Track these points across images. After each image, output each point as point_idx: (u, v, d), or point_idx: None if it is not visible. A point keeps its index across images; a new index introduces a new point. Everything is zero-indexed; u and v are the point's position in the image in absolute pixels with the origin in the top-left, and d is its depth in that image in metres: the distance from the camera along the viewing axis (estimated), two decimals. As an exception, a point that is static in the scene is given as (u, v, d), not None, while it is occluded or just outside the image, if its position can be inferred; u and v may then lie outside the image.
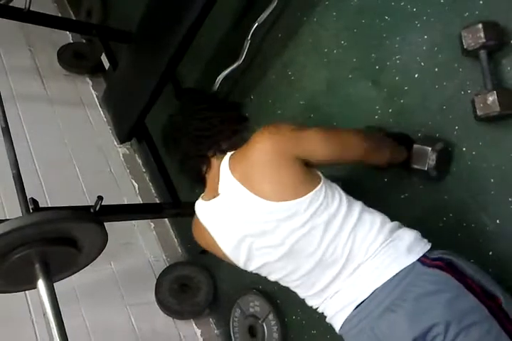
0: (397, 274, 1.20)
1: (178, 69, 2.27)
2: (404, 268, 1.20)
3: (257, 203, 1.23)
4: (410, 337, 1.14)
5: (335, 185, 1.31)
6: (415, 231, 1.30)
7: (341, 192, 1.30)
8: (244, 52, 2.17)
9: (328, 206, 1.24)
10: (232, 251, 1.35)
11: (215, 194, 1.34)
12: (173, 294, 2.59)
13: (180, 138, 1.44)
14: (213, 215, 1.36)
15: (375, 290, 1.21)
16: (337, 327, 1.31)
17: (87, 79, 3.32)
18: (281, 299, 2.32)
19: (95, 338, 2.30)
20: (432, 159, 1.56)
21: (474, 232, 1.58)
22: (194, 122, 1.42)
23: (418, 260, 1.22)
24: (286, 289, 2.24)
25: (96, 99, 3.24)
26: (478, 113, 1.45)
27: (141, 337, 2.43)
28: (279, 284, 2.25)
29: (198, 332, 2.63)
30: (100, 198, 1.74)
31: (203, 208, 1.40)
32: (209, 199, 1.36)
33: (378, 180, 1.80)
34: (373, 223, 1.27)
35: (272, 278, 1.41)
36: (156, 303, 2.56)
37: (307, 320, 2.19)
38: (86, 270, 1.90)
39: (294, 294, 2.20)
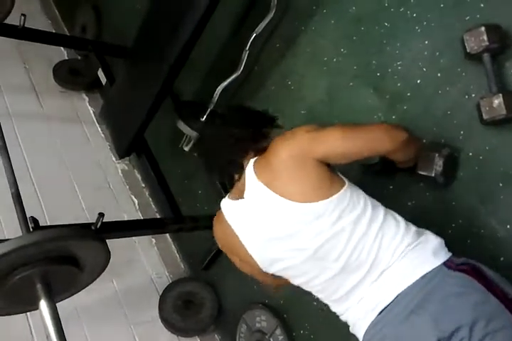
0: (422, 277, 1.20)
1: (176, 82, 2.25)
2: (430, 271, 1.20)
3: (283, 205, 1.24)
4: (435, 338, 1.12)
5: (359, 189, 1.32)
6: (439, 237, 1.31)
7: (365, 195, 1.31)
8: (243, 63, 2.15)
9: (354, 208, 1.25)
10: (258, 251, 1.35)
11: (241, 195, 1.35)
12: (177, 311, 2.55)
13: (219, 145, 1.44)
14: (240, 215, 1.37)
15: (399, 294, 1.21)
16: (360, 335, 1.30)
17: (84, 96, 3.31)
18: (288, 313, 2.28)
19: (99, 360, 2.26)
20: (438, 165, 1.54)
21: (484, 238, 1.55)
22: (233, 132, 1.42)
23: (443, 264, 1.22)
24: (293, 302, 2.22)
25: (93, 115, 3.23)
26: (484, 116, 1.44)
27: (146, 357, 2.39)
28: (286, 298, 2.23)
29: (204, 348, 2.59)
30: (101, 215, 1.71)
31: (229, 206, 1.40)
32: (236, 199, 1.37)
33: (384, 188, 1.78)
34: (398, 226, 1.27)
35: (296, 281, 1.40)
36: (160, 321, 2.52)
37: (315, 334, 2.15)
38: (88, 289, 1.87)
39: (301, 308, 2.18)
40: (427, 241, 1.27)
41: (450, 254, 1.26)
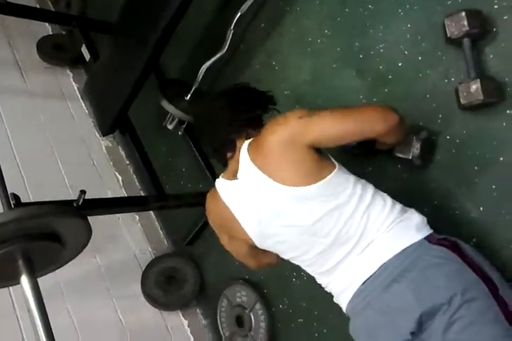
0: (404, 249, 1.26)
1: (160, 60, 2.24)
2: (412, 244, 1.27)
3: (275, 188, 1.29)
4: (418, 310, 1.18)
5: (347, 171, 1.37)
6: (422, 215, 1.37)
7: (355, 176, 1.36)
8: (228, 42, 2.14)
9: (345, 188, 1.30)
10: (253, 227, 1.39)
11: (235, 176, 1.40)
12: (160, 286, 2.59)
13: (215, 122, 1.46)
14: (235, 194, 1.40)
15: (382, 265, 1.27)
16: (344, 304, 1.37)
17: (68, 71, 3.27)
18: (267, 289, 2.33)
19: (81, 332, 2.29)
20: (416, 148, 1.56)
21: (458, 219, 1.59)
22: (231, 109, 1.45)
23: (425, 238, 1.29)
24: (273, 278, 2.27)
25: (77, 91, 3.19)
26: (462, 101, 1.46)
27: (128, 330, 2.42)
28: (266, 274, 2.28)
29: (185, 322, 2.64)
30: (83, 192, 1.72)
31: (225, 186, 1.44)
32: (230, 179, 1.42)
33: (363, 169, 1.80)
34: (385, 204, 1.33)
35: (286, 256, 1.46)
36: (142, 296, 2.55)
37: (294, 309, 2.21)
38: (71, 264, 1.90)
39: (280, 284, 2.23)
40: (411, 218, 1.33)
41: (432, 231, 1.33)
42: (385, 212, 1.32)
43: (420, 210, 1.65)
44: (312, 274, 1.46)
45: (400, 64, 1.70)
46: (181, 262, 2.69)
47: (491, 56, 1.48)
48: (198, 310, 2.71)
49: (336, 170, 1.31)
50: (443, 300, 1.16)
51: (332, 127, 1.30)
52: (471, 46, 1.46)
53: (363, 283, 1.30)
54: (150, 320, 2.54)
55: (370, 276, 1.28)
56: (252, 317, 2.35)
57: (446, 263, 1.23)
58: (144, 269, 2.62)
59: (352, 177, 1.34)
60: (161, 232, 2.90)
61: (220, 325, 2.52)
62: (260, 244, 1.44)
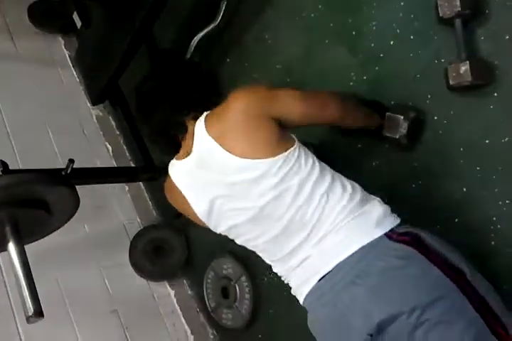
0: (362, 247, 1.20)
1: (153, 30, 2.21)
2: (370, 242, 1.20)
3: (229, 160, 1.23)
4: (376, 319, 1.13)
5: (309, 152, 1.31)
6: (385, 205, 1.30)
7: (315, 158, 1.30)
8: (221, 14, 2.12)
9: (301, 169, 1.24)
10: (204, 211, 1.35)
11: (188, 153, 1.33)
12: (147, 256, 2.61)
13: (157, 104, 1.42)
14: (186, 175, 1.36)
15: (339, 263, 1.21)
16: (301, 299, 1.33)
17: (59, 38, 3.21)
18: (253, 261, 2.36)
19: (68, 300, 2.32)
20: (403, 127, 1.57)
21: (442, 199, 1.61)
22: (172, 88, 1.41)
23: (385, 234, 1.22)
24: (259, 252, 2.31)
25: (68, 59, 3.14)
26: (451, 82, 1.46)
27: (114, 299, 2.46)
28: (252, 247, 2.31)
29: (172, 293, 2.68)
30: (71, 161, 1.72)
31: (175, 167, 1.40)
32: (182, 158, 1.36)
33: (351, 147, 1.82)
34: (344, 193, 1.26)
35: (239, 241, 1.41)
36: (129, 265, 2.58)
37: (278, 282, 2.22)
38: (59, 232, 1.91)
39: (265, 257, 2.26)
40: (371, 210, 1.26)
41: (397, 222, 1.26)
42: (344, 200, 1.25)
43: (404, 189, 1.69)
44: (267, 261, 1.42)
45: (391, 42, 1.69)
46: (169, 233, 2.71)
47: (482, 38, 1.48)
48: (184, 280, 2.76)
49: (293, 149, 1.25)
50: (405, 309, 1.11)
51: (297, 106, 1.28)
52: (462, 27, 1.45)
53: (319, 280, 1.25)
54: (137, 289, 2.58)
55: (326, 274, 1.23)
56: (238, 288, 2.40)
57: (407, 266, 1.16)
58: (131, 239, 2.65)
59: (311, 159, 1.28)
60: (150, 203, 2.91)
61: (206, 296, 2.56)
62: (214, 229, 1.41)
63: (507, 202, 1.47)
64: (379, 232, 1.22)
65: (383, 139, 1.65)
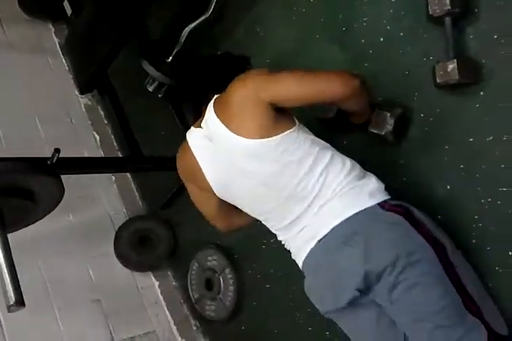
0: (356, 213, 1.32)
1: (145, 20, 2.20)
2: (365, 209, 1.33)
3: (235, 140, 1.33)
4: (362, 269, 1.25)
5: (310, 133, 1.41)
6: (381, 182, 1.42)
7: (315, 138, 1.40)
8: (213, 5, 2.10)
9: (300, 147, 1.34)
10: (213, 174, 1.45)
11: (201, 124, 1.46)
12: (132, 247, 2.62)
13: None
14: (200, 140, 1.46)
15: (335, 227, 1.33)
16: (300, 261, 1.44)
17: (50, 26, 3.18)
18: (238, 254, 2.38)
19: (51, 289, 2.32)
20: (389, 124, 1.58)
21: (426, 197, 1.62)
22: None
23: (378, 204, 1.34)
24: (244, 245, 2.31)
25: (58, 47, 3.12)
26: (438, 80, 1.47)
27: (98, 289, 2.47)
28: (237, 240, 2.32)
29: (156, 283, 2.69)
30: (57, 150, 1.70)
31: (193, 132, 1.50)
32: (197, 127, 1.48)
33: (337, 142, 1.81)
34: (344, 166, 1.38)
35: (246, 209, 1.52)
36: (114, 256, 2.58)
37: (262, 275, 2.27)
38: (44, 222, 1.90)
39: (251, 250, 2.27)
40: (368, 183, 1.38)
41: (387, 197, 1.38)
42: (343, 174, 1.36)
43: (389, 186, 1.69)
44: (272, 230, 1.52)
45: (381, 39, 1.69)
46: (155, 224, 2.71)
47: (471, 36, 1.49)
48: (169, 272, 2.77)
49: (292, 129, 1.35)
50: (387, 261, 1.23)
51: (291, 87, 1.34)
52: (452, 25, 1.46)
53: (316, 244, 1.36)
54: (121, 279, 2.59)
55: (322, 238, 1.35)
56: (222, 280, 2.41)
57: (395, 229, 1.29)
58: (117, 230, 2.64)
59: (310, 139, 1.38)
60: (136, 194, 2.91)
61: (190, 287, 2.58)
62: (221, 194, 1.50)
63: (489, 200, 1.49)
64: (372, 202, 1.34)
65: (369, 135, 1.66)
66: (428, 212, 1.60)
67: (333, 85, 1.35)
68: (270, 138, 1.31)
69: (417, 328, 1.26)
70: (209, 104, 1.43)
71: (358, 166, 1.42)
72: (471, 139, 1.52)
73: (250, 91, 1.32)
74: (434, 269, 1.26)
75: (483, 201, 1.50)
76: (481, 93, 1.48)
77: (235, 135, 1.33)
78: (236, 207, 1.57)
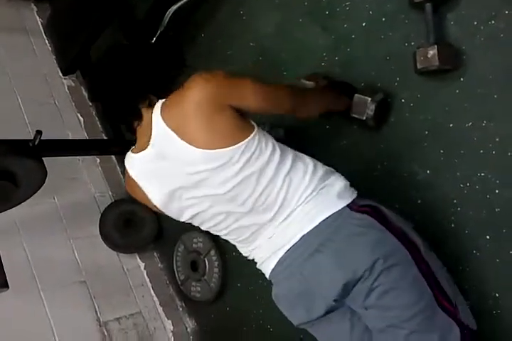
0: (326, 219, 1.25)
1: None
2: (334, 214, 1.25)
3: (190, 152, 1.21)
4: (341, 278, 1.20)
5: (268, 135, 1.31)
6: (345, 180, 1.35)
7: (274, 141, 1.30)
8: (196, -14, 2.09)
9: (262, 154, 1.24)
10: (164, 204, 1.35)
11: (146, 145, 1.29)
12: (118, 229, 2.61)
13: (111, 86, 1.39)
14: (143, 168, 1.33)
15: (304, 235, 1.26)
16: (267, 272, 1.37)
17: (32, 5, 3.10)
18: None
19: (37, 271, 2.31)
20: (370, 109, 1.59)
21: (406, 181, 1.65)
22: (127, 70, 1.38)
23: (347, 206, 1.27)
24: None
25: (41, 27, 3.04)
26: (418, 66, 1.48)
27: (84, 270, 2.47)
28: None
29: (142, 265, 2.70)
30: (39, 133, 1.69)
31: (132, 161, 1.36)
32: (138, 152, 1.32)
33: (320, 127, 1.83)
34: (306, 171, 1.29)
35: (204, 227, 1.41)
36: (100, 237, 2.58)
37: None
38: (28, 203, 1.89)
39: (235, 232, 2.29)
40: (333, 184, 1.30)
41: (355, 195, 1.31)
42: (306, 179, 1.28)
43: (370, 170, 1.72)
44: (232, 243, 1.44)
45: (363, 24, 1.69)
46: (140, 206, 2.68)
47: (452, 22, 1.49)
48: (155, 253, 2.78)
49: (253, 135, 1.24)
50: (365, 266, 1.18)
51: (251, 100, 1.27)
52: (432, 11, 1.46)
53: (285, 253, 1.29)
54: (107, 261, 2.58)
55: (292, 246, 1.27)
56: (207, 262, 2.43)
57: (368, 232, 1.23)
58: (102, 212, 2.64)
59: (271, 143, 1.28)
60: (121, 176, 2.89)
61: (175, 269, 2.60)
62: (178, 219, 1.40)
63: (468, 185, 1.51)
64: (341, 204, 1.27)
65: (351, 120, 1.67)
66: (408, 196, 1.64)
67: (285, 101, 1.36)
68: (234, 147, 1.21)
69: (392, 334, 1.22)
70: (154, 113, 1.26)
71: (320, 165, 1.34)
72: (450, 125, 1.53)
73: (215, 95, 1.20)
74: (409, 272, 1.22)
75: (461, 186, 1.52)
76: (461, 79, 1.50)
77: (190, 146, 1.20)
78: None
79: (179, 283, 2.59)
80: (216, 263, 2.40)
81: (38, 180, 1.73)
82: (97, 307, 2.42)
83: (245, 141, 1.22)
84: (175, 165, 1.26)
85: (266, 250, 1.34)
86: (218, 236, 2.33)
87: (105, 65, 1.43)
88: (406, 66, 1.56)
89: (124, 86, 1.36)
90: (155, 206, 1.37)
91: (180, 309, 2.68)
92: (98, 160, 2.81)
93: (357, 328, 1.28)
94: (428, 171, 1.60)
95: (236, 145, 1.21)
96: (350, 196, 1.30)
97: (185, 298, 2.62)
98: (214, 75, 1.24)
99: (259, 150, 1.24)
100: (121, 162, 2.83)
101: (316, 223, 1.25)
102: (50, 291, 2.30)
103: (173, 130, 1.22)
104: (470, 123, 1.49)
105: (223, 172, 1.23)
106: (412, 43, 1.57)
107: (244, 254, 1.44)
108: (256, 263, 1.42)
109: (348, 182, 1.34)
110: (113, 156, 2.89)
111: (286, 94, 1.37)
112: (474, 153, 1.49)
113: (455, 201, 1.55)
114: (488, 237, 1.48)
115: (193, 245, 2.51)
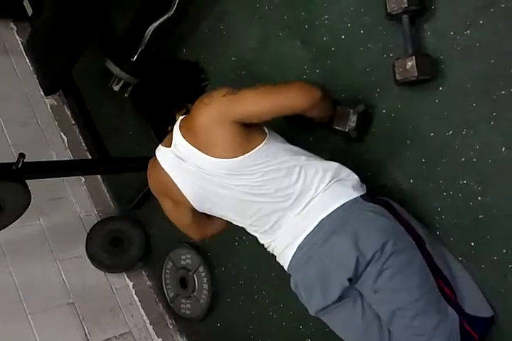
0: (342, 205, 1.36)
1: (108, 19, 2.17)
2: (348, 201, 1.37)
3: (209, 161, 1.36)
4: (354, 256, 1.29)
5: (282, 139, 1.46)
6: (357, 176, 1.45)
7: (287, 145, 1.44)
8: (176, 3, 2.09)
9: (276, 157, 1.37)
10: (190, 190, 1.46)
11: (171, 143, 1.45)
12: (105, 248, 2.60)
13: (154, 95, 1.56)
14: (172, 160, 1.46)
15: (322, 220, 1.36)
16: (287, 261, 1.44)
17: (12, 24, 3.11)
18: (211, 252, 2.39)
19: (24, 294, 2.28)
20: (352, 121, 1.60)
21: (389, 190, 1.66)
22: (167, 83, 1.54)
23: (361, 196, 1.39)
24: (217, 242, 2.32)
25: (21, 46, 3.05)
26: (398, 77, 1.49)
27: (72, 292, 2.44)
28: (210, 238, 2.33)
29: (131, 284, 2.68)
30: (22, 156, 1.68)
31: (163, 152, 1.49)
32: (167, 146, 1.48)
33: (304, 139, 1.84)
34: (318, 166, 1.41)
35: (226, 217, 1.54)
36: (87, 258, 2.56)
37: (236, 272, 2.28)
38: (14, 226, 1.87)
39: (224, 248, 2.28)
40: (349, 177, 1.43)
41: (365, 191, 1.44)
42: (320, 172, 1.40)
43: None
44: (254, 234, 1.54)
45: (343, 36, 1.71)
46: (127, 225, 2.70)
47: (429, 33, 1.52)
48: (143, 271, 2.76)
49: (264, 142, 1.38)
50: (377, 246, 1.28)
51: (254, 105, 1.35)
52: (409, 23, 1.48)
53: (304, 239, 1.38)
54: (95, 281, 2.56)
55: (311, 232, 1.37)
56: (196, 279, 2.42)
57: (380, 218, 1.35)
58: (88, 231, 2.62)
59: (282, 148, 1.41)
60: (107, 195, 2.89)
61: (164, 287, 2.58)
62: (199, 207, 1.51)
63: (451, 193, 1.53)
64: (356, 194, 1.39)
65: (334, 132, 1.68)
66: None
67: (296, 99, 1.37)
68: (245, 155, 1.34)
69: (399, 316, 1.31)
70: (175, 128, 1.43)
71: (335, 166, 1.45)
72: (431, 134, 1.55)
73: (215, 113, 1.33)
74: (415, 258, 1.33)
75: (445, 194, 1.54)
76: (440, 88, 1.52)
77: (208, 157, 1.35)
78: (209, 216, 1.60)
79: (169, 300, 2.57)
80: (205, 280, 2.39)
81: (23, 203, 1.71)
82: (86, 328, 2.39)
83: (257, 147, 1.36)
84: (195, 167, 1.41)
85: (285, 239, 1.43)
86: (207, 252, 2.37)
87: (154, 78, 1.60)
88: (386, 77, 1.58)
89: (167, 96, 1.53)
90: (178, 194, 1.48)
91: (171, 327, 2.66)
92: (83, 179, 2.80)
93: (368, 314, 1.37)
94: (411, 180, 1.62)
95: (249, 153, 1.35)
96: (364, 190, 1.43)
97: (175, 315, 2.60)
98: (212, 97, 1.36)
99: (271, 154, 1.37)
100: (107, 180, 2.87)
101: (333, 209, 1.36)
102: (38, 315, 2.27)
103: (190, 143, 1.38)
104: (450, 132, 1.51)
105: (242, 173, 1.37)
106: (391, 54, 1.59)
107: (265, 245, 1.54)
108: (275, 256, 1.51)
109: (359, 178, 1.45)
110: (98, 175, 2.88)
111: (295, 90, 1.40)
112: (456, 161, 1.51)
113: (439, 209, 1.56)
114: (472, 244, 1.50)
115: (182, 262, 2.49)
